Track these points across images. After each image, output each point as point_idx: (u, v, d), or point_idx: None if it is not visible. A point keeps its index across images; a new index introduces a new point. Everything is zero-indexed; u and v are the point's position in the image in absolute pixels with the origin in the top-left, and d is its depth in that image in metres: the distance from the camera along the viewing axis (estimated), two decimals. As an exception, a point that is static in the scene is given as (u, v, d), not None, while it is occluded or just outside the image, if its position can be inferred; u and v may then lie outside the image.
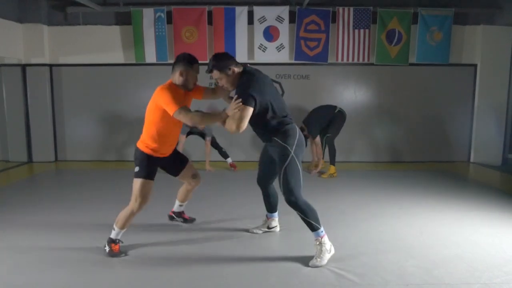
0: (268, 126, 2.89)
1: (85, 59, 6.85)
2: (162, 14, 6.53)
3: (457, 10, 6.62)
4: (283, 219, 3.61)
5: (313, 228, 2.89)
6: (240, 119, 2.70)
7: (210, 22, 6.57)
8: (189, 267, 2.88)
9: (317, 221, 2.89)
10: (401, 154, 7.02)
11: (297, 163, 2.88)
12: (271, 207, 3.49)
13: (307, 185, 5.32)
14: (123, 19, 6.74)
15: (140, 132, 3.11)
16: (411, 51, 6.67)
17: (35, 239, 3.37)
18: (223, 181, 5.57)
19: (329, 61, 6.71)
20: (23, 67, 6.74)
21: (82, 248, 3.16)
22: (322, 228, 2.91)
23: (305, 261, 2.93)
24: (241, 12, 6.53)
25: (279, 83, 6.87)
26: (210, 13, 6.54)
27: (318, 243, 2.89)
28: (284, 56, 6.70)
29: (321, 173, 5.90)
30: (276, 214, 3.53)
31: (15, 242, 3.33)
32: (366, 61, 6.70)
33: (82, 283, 2.65)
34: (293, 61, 6.76)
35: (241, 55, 6.63)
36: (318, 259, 2.87)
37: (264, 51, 6.67)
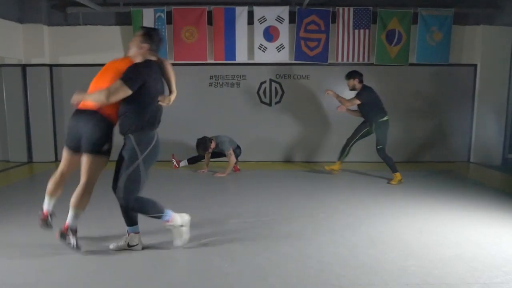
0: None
1: (85, 59, 6.84)
2: (162, 14, 6.53)
3: (457, 10, 6.62)
4: (279, 216, 3.58)
5: (160, 218, 2.98)
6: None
7: (210, 22, 6.57)
8: (188, 266, 2.89)
9: (159, 210, 2.97)
10: (401, 154, 7.00)
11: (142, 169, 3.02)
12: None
13: (307, 184, 5.39)
14: (123, 19, 6.74)
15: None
16: (411, 51, 6.67)
17: (35, 239, 3.37)
18: (222, 181, 5.57)
19: (329, 61, 6.72)
20: (23, 67, 6.74)
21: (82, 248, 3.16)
22: (166, 211, 2.99)
23: (305, 260, 2.93)
24: (241, 12, 6.53)
25: (279, 83, 6.87)
26: (210, 13, 6.54)
27: (170, 225, 3.02)
28: (284, 56, 6.70)
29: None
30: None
31: (15, 242, 3.33)
32: (366, 61, 6.70)
33: (82, 283, 2.65)
34: (293, 61, 6.76)
35: (241, 55, 6.63)
36: (179, 238, 3.06)
37: (264, 51, 6.67)
